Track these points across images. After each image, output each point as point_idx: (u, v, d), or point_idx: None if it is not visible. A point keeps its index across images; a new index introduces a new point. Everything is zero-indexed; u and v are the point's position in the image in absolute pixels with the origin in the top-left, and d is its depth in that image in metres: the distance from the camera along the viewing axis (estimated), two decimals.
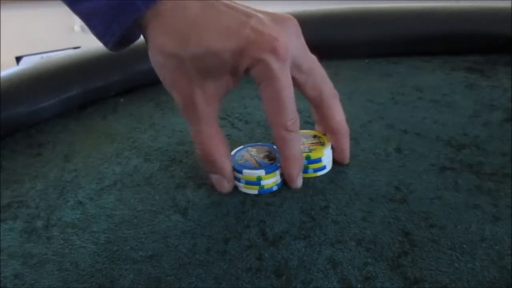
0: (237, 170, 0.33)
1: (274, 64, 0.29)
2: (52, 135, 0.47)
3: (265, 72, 0.29)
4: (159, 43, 0.30)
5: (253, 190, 0.33)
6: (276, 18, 0.31)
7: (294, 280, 0.26)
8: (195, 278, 0.26)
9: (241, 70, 0.30)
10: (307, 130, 0.38)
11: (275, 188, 0.34)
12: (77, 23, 2.78)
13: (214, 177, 0.34)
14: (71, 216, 0.33)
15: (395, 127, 0.42)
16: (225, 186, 0.34)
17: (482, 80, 0.51)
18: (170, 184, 0.36)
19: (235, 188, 0.34)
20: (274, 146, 0.36)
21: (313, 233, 0.29)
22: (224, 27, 0.29)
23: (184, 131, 0.44)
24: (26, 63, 0.54)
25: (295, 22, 0.32)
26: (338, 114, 0.35)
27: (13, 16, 2.62)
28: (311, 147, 0.35)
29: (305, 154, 0.34)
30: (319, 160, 0.34)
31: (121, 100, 0.54)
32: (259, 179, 0.33)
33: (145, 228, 0.31)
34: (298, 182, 0.33)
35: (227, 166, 0.33)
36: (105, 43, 0.32)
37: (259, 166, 0.33)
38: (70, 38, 2.75)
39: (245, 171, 0.33)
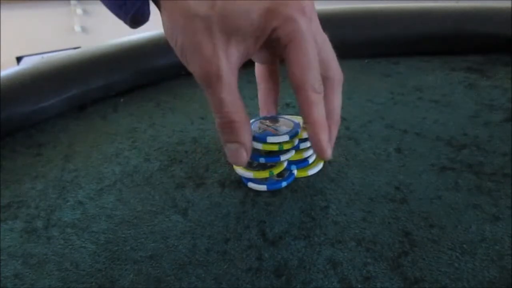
0: (259, 138, 0.33)
1: (303, 23, 0.28)
2: (52, 135, 0.47)
3: (294, 31, 0.28)
4: (183, 5, 0.28)
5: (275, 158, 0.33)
6: None
7: (294, 280, 0.26)
8: (195, 278, 0.26)
9: (268, 30, 0.29)
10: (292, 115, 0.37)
11: (292, 152, 0.34)
12: (77, 23, 2.78)
13: (232, 148, 0.31)
14: (71, 216, 0.33)
15: (395, 127, 0.42)
16: (244, 156, 0.31)
17: (482, 80, 0.51)
18: (170, 184, 0.36)
19: (235, 188, 0.34)
20: (286, 116, 0.35)
21: (313, 233, 0.29)
22: None
23: (184, 131, 0.44)
24: (27, 63, 0.54)
25: None
26: (337, 100, 0.33)
27: (13, 16, 2.62)
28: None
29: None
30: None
31: (121, 100, 0.54)
32: (281, 146, 0.33)
33: (145, 228, 0.31)
34: (329, 150, 0.30)
35: (248, 134, 0.31)
36: (123, 15, 0.31)
37: (279, 133, 0.33)
38: (70, 38, 2.75)
39: (268, 138, 0.32)
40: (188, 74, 0.30)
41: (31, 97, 0.49)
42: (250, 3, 0.28)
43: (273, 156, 0.33)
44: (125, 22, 0.32)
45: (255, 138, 0.33)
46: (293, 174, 0.35)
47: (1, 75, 0.49)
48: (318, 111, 0.30)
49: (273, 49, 0.30)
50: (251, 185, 0.34)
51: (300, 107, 0.30)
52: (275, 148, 0.32)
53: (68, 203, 0.35)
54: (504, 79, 0.51)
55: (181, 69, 0.57)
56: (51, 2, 2.71)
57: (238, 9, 0.28)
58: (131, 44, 0.57)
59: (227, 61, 0.29)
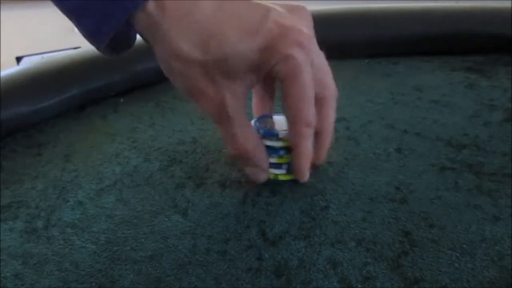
0: (272, 134, 0.33)
1: (301, 57, 0.28)
2: (52, 135, 0.47)
3: (292, 68, 0.28)
4: (176, 49, 0.27)
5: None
6: (291, 9, 0.30)
7: (294, 280, 0.26)
8: (195, 278, 0.26)
9: (268, 66, 0.29)
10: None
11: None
12: None
13: (251, 170, 0.33)
14: (71, 216, 0.33)
15: (395, 127, 0.42)
16: (263, 177, 0.33)
17: (482, 80, 0.51)
18: (170, 184, 0.36)
19: (235, 188, 0.34)
20: (275, 116, 0.36)
21: (313, 233, 0.29)
22: (244, 24, 0.27)
23: (184, 131, 0.44)
24: (27, 64, 0.54)
25: (308, 11, 0.31)
26: (332, 115, 0.34)
27: (13, 16, 2.62)
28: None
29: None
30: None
31: (121, 100, 0.54)
32: None
33: (145, 228, 0.31)
34: (306, 176, 0.33)
35: (263, 157, 0.32)
36: (96, 42, 0.28)
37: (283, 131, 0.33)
38: (70, 38, 2.75)
39: (281, 132, 0.33)
40: None
41: (31, 97, 0.49)
42: (247, 42, 0.27)
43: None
44: (99, 49, 0.29)
45: (267, 135, 0.33)
46: None
47: (1, 75, 0.49)
48: (307, 144, 0.31)
49: (272, 78, 0.31)
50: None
51: (291, 136, 0.31)
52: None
53: (68, 203, 0.35)
54: (504, 79, 0.51)
55: None
56: (51, 2, 2.71)
57: (234, 50, 0.27)
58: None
59: (233, 98, 0.29)
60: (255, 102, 0.36)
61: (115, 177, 0.38)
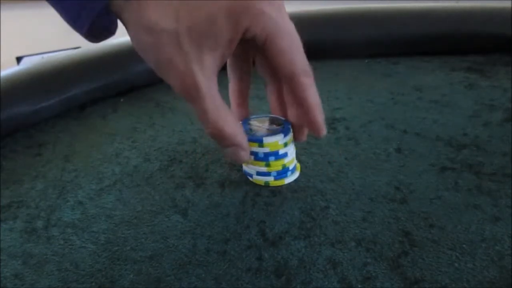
0: (255, 140, 0.32)
1: (274, 13, 0.27)
2: (52, 135, 0.47)
3: (269, 25, 0.27)
4: (147, 21, 0.27)
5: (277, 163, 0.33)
6: None
7: (294, 280, 0.26)
8: (195, 278, 0.26)
9: (241, 31, 0.28)
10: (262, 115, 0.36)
11: (292, 147, 0.34)
12: None
13: (229, 150, 0.32)
14: (71, 216, 0.33)
15: (395, 127, 0.42)
16: (243, 156, 0.31)
17: (482, 80, 0.51)
18: (170, 184, 0.36)
19: (235, 188, 0.34)
20: (271, 114, 0.35)
21: (313, 233, 0.29)
22: None
23: (184, 131, 0.44)
24: (27, 64, 0.54)
25: None
26: (311, 94, 0.31)
27: (13, 16, 2.62)
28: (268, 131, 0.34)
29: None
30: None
31: (121, 100, 0.54)
32: (285, 144, 0.32)
33: (145, 228, 0.31)
34: (325, 130, 0.31)
35: (240, 136, 0.31)
36: (78, 27, 0.28)
37: (273, 132, 0.33)
38: (70, 38, 2.75)
39: (265, 138, 0.32)
40: None
41: (31, 97, 0.49)
42: (215, 8, 0.27)
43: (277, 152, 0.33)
44: (81, 34, 0.29)
45: (251, 141, 0.32)
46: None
47: (1, 75, 0.49)
48: (313, 94, 0.30)
49: (247, 43, 0.29)
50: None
51: (293, 93, 0.30)
52: (277, 145, 0.32)
53: (68, 203, 0.35)
54: (504, 79, 0.51)
55: None
56: None
57: (203, 16, 0.27)
58: (131, 44, 0.57)
59: (202, 72, 0.28)
60: (232, 90, 0.35)
61: (115, 177, 0.38)
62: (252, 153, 0.33)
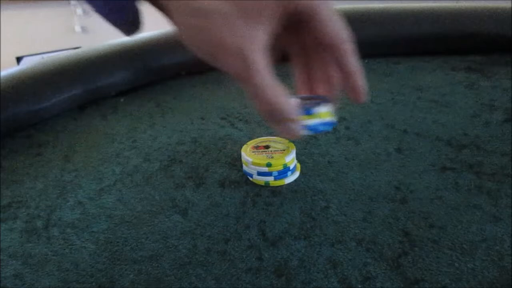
0: (308, 112, 0.33)
1: None
2: (52, 135, 0.47)
3: (315, 1, 0.29)
4: (196, 4, 0.28)
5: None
6: None
7: (294, 280, 0.26)
8: (195, 278, 0.26)
9: (290, 5, 0.29)
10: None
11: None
12: (78, 23, 2.78)
13: (283, 127, 0.32)
14: (71, 216, 0.33)
15: (395, 127, 0.42)
16: (296, 130, 0.32)
17: (482, 80, 0.51)
18: (170, 184, 0.36)
19: (235, 188, 0.34)
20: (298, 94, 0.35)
21: (313, 233, 0.29)
22: None
23: (184, 131, 0.44)
24: (27, 64, 0.54)
25: None
26: (352, 61, 0.32)
27: (13, 16, 2.62)
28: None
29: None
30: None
31: (121, 100, 0.54)
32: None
33: (145, 228, 0.31)
34: (366, 93, 0.32)
35: (292, 109, 0.31)
36: (120, 26, 0.31)
37: (317, 104, 0.33)
38: (70, 38, 2.75)
39: (316, 108, 0.32)
40: (188, 74, 0.30)
41: (31, 97, 0.49)
42: None
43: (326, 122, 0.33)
44: (123, 30, 0.31)
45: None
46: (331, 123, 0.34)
47: (1, 75, 0.49)
48: (356, 61, 0.31)
49: (294, 27, 0.31)
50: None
51: (338, 61, 0.31)
52: (327, 114, 0.33)
53: (68, 203, 0.35)
54: (504, 79, 0.51)
55: (181, 69, 0.57)
56: (51, 2, 2.71)
57: None
58: (131, 44, 0.57)
59: (255, 49, 0.29)
60: (296, 75, 0.36)
61: (115, 177, 0.38)
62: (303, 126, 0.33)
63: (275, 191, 0.34)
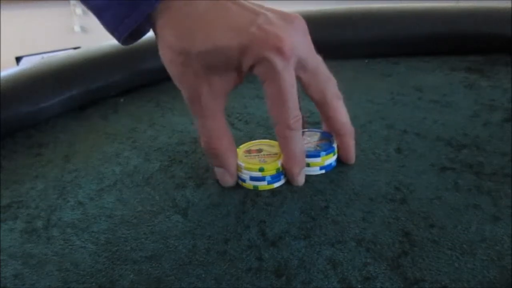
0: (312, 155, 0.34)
1: (278, 62, 0.29)
2: (52, 135, 0.47)
3: (268, 70, 0.30)
4: (168, 40, 0.31)
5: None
6: (284, 17, 0.31)
7: (294, 280, 0.26)
8: (195, 278, 0.26)
9: (245, 67, 0.30)
10: (315, 130, 0.38)
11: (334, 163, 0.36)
12: (77, 23, 2.78)
13: (218, 171, 0.34)
14: (71, 216, 0.33)
15: (395, 127, 0.42)
16: (228, 181, 0.34)
17: (482, 80, 0.51)
18: (170, 184, 0.36)
19: (235, 188, 0.34)
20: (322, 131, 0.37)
21: (313, 233, 0.29)
22: (231, 25, 0.29)
23: (184, 131, 0.44)
24: (27, 64, 0.54)
25: (303, 21, 0.32)
26: (341, 116, 0.35)
27: (13, 16, 2.62)
28: (317, 148, 0.35)
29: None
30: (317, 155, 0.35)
31: (121, 100, 0.54)
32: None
33: (145, 229, 0.31)
34: (300, 180, 0.34)
35: (231, 160, 0.33)
36: (116, 37, 0.33)
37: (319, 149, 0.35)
38: (70, 38, 2.75)
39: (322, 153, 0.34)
40: None
41: (31, 97, 0.49)
42: (228, 40, 0.29)
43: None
44: (118, 37, 0.33)
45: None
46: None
47: (1, 75, 0.49)
48: (291, 146, 0.32)
49: None
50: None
51: (277, 138, 0.33)
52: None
53: (68, 203, 0.35)
54: (504, 79, 0.51)
55: None
56: (51, 2, 2.71)
57: (215, 46, 0.29)
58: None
59: (210, 90, 0.31)
60: None
61: (115, 177, 0.38)
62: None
63: (275, 191, 0.34)
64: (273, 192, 0.34)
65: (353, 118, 0.44)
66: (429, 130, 0.41)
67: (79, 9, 2.73)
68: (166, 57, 0.32)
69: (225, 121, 0.33)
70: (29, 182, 0.38)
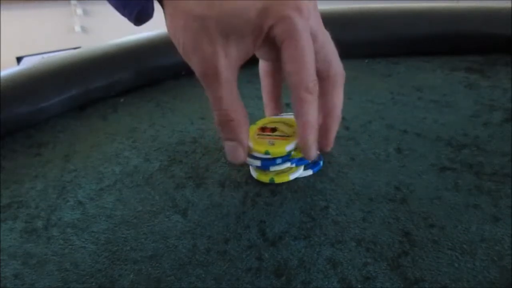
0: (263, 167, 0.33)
1: (298, 21, 0.29)
2: (52, 135, 0.47)
3: (289, 29, 0.29)
4: (184, 6, 0.29)
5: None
6: None
7: (294, 280, 0.26)
8: (195, 278, 0.26)
9: (265, 28, 0.29)
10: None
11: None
12: (78, 23, 2.78)
13: (230, 145, 0.32)
14: (71, 216, 0.33)
15: (395, 127, 0.42)
16: (240, 155, 0.32)
17: (482, 80, 0.51)
18: (170, 184, 0.36)
19: (235, 188, 0.34)
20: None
21: (313, 233, 0.29)
22: None
23: (184, 131, 0.44)
24: (27, 64, 0.54)
25: None
26: (338, 95, 0.33)
27: (13, 16, 2.62)
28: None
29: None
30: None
31: (121, 100, 0.54)
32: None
33: (145, 229, 0.31)
34: (314, 151, 0.31)
35: (245, 132, 0.32)
36: (127, 16, 0.32)
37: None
38: (70, 38, 2.75)
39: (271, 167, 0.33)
40: (188, 74, 0.31)
41: (31, 97, 0.49)
42: (247, 3, 0.29)
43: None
44: (130, 20, 0.32)
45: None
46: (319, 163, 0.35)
47: (1, 75, 0.49)
48: (309, 111, 0.30)
49: (275, 46, 0.30)
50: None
51: (292, 105, 0.30)
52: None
53: (68, 203, 0.35)
54: (504, 79, 0.51)
55: (181, 69, 0.57)
56: (51, 2, 2.71)
57: (235, 8, 0.29)
58: (131, 44, 0.57)
59: (226, 60, 0.30)
60: (264, 93, 0.37)
61: (115, 177, 0.38)
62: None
63: (275, 191, 0.34)
64: (273, 192, 0.34)
65: (353, 118, 0.44)
66: (429, 130, 0.41)
67: (80, 9, 2.73)
68: (179, 26, 0.30)
69: (239, 93, 0.32)
70: (29, 182, 0.38)
